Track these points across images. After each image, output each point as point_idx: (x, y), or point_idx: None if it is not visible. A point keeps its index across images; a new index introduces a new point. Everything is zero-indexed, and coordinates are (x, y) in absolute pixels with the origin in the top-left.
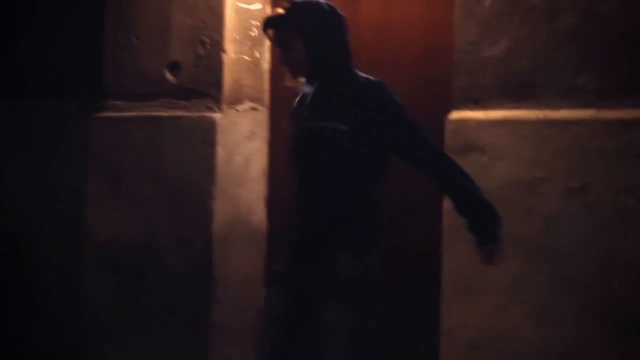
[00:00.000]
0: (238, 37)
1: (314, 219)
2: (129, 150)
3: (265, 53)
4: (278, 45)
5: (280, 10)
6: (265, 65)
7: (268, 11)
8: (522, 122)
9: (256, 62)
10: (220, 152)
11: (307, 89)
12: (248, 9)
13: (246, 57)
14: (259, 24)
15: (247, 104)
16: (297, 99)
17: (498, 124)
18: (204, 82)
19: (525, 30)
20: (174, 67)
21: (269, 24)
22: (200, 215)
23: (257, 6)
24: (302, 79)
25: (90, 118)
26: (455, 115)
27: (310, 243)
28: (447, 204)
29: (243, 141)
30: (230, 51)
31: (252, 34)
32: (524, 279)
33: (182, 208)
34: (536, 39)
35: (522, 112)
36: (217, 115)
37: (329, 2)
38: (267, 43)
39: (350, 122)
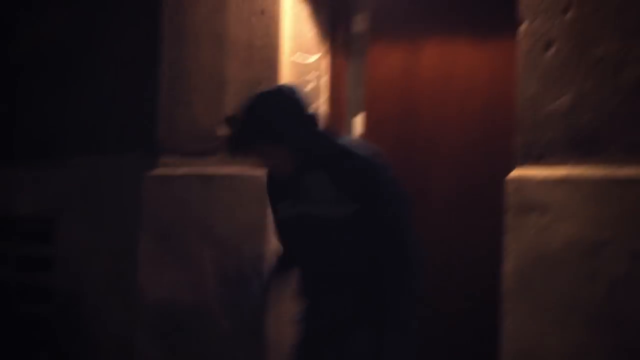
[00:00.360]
0: None
1: (335, 307)
2: (181, 208)
3: (321, 108)
4: (256, 156)
5: (237, 118)
6: None
7: (324, 64)
8: (586, 181)
9: None
10: None
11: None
12: (303, 64)
13: None
14: (315, 77)
15: None
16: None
17: (560, 182)
18: None
19: (589, 83)
20: (231, 121)
21: (240, 145)
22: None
23: (312, 59)
24: None
25: (143, 175)
26: (516, 173)
27: (332, 330)
28: (507, 266)
29: None
30: None
31: (308, 88)
32: (587, 347)
33: (234, 269)
34: (601, 93)
35: (586, 170)
36: None
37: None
38: (323, 97)
39: (353, 202)
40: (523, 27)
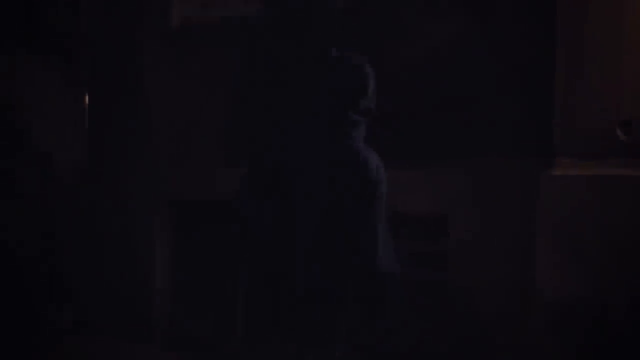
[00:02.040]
0: None
1: None
2: (579, 208)
3: None
4: None
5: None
6: None
7: None
8: None
9: None
10: None
11: None
12: None
13: None
14: None
15: None
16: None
17: None
18: None
19: None
20: (626, 125)
21: None
22: None
23: None
24: None
25: (538, 176)
26: None
27: None
28: None
29: None
30: None
31: None
32: None
33: (633, 268)
34: None
35: None
36: None
37: None
38: None
39: None
40: None
